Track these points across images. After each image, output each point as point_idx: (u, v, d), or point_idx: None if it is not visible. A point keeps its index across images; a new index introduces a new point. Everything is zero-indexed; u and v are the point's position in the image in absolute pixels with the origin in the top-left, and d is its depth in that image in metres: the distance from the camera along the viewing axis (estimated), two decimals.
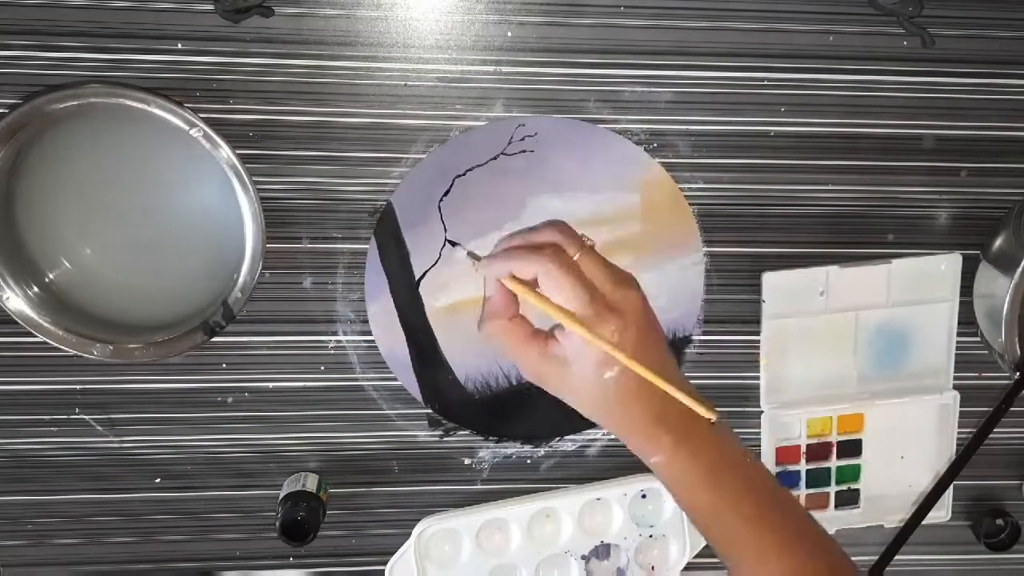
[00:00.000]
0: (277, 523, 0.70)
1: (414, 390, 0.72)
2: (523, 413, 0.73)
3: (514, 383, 0.72)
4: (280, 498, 0.71)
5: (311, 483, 0.72)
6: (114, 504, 0.74)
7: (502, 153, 0.68)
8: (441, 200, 0.68)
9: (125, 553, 0.75)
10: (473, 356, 0.71)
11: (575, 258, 0.55)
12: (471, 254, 0.58)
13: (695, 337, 0.73)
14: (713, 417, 0.54)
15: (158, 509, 0.74)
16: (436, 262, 0.69)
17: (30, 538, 0.74)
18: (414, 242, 0.69)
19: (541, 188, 0.69)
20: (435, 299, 0.70)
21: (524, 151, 0.68)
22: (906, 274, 0.72)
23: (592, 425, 0.74)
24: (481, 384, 0.72)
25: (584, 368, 0.55)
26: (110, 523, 0.74)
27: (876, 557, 0.80)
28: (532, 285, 0.55)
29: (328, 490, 0.73)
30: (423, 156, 0.67)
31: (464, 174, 0.68)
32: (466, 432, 0.74)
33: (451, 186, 0.68)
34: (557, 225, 0.57)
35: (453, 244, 0.60)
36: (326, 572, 0.77)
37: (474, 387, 0.72)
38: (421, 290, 0.70)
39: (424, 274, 0.69)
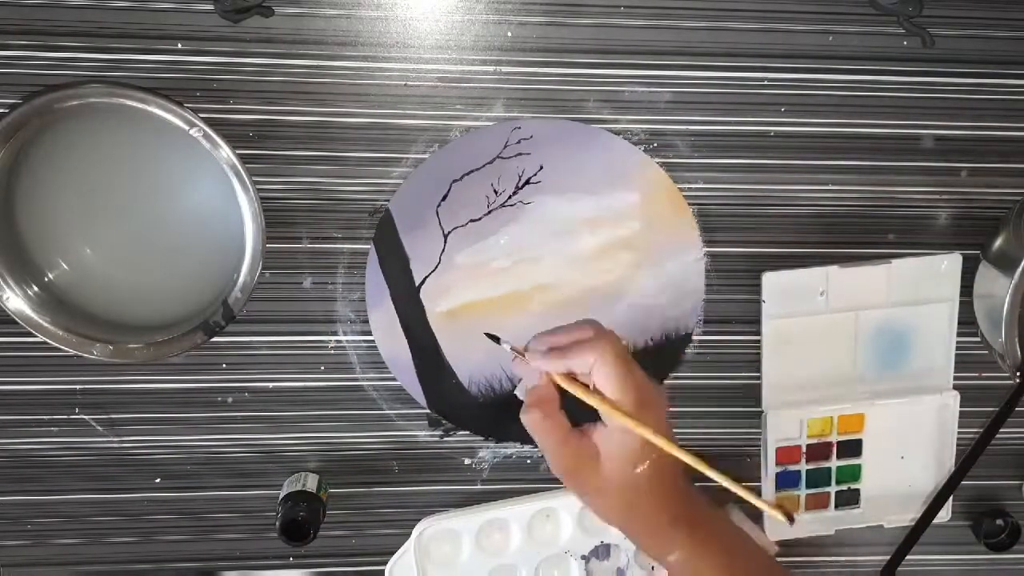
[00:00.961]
0: (277, 523, 0.70)
1: (418, 395, 0.72)
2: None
3: (516, 385, 0.72)
4: (280, 498, 0.71)
5: (311, 483, 0.72)
6: (114, 504, 0.74)
7: (498, 156, 0.68)
8: (439, 205, 0.68)
9: (126, 553, 0.75)
10: (476, 359, 0.71)
11: None
12: (514, 349, 0.59)
13: (695, 337, 0.73)
14: (789, 522, 0.55)
15: (158, 509, 0.74)
16: (436, 267, 0.69)
17: (30, 538, 0.74)
18: (413, 248, 0.69)
19: (539, 190, 0.69)
20: (436, 304, 0.70)
21: (520, 154, 0.68)
22: (906, 274, 0.72)
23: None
24: (485, 387, 0.72)
25: (616, 464, 0.56)
26: (110, 523, 0.75)
27: (877, 557, 0.80)
28: (573, 378, 0.57)
29: (328, 490, 0.73)
30: (423, 156, 0.67)
31: (461, 179, 0.68)
32: (466, 432, 0.74)
33: (448, 191, 0.68)
34: (594, 324, 0.59)
35: (495, 340, 0.60)
36: (326, 572, 0.77)
37: (478, 390, 0.72)
38: (422, 295, 0.70)
39: (424, 279, 0.70)
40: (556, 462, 0.58)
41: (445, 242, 0.69)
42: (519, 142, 0.68)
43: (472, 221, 0.69)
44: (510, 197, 0.69)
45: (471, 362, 0.72)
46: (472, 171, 0.68)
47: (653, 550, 0.59)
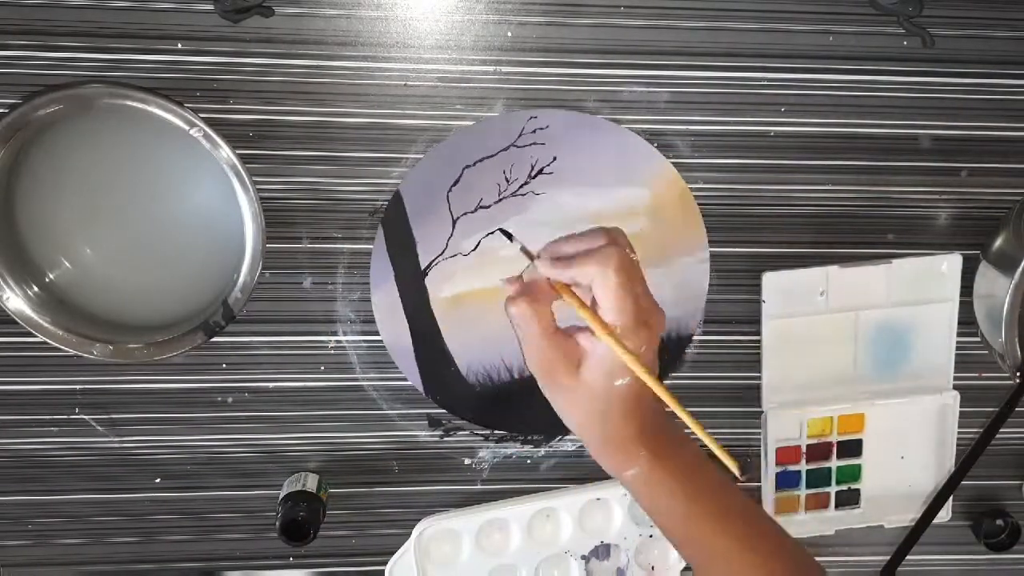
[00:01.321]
0: (277, 523, 0.70)
1: (416, 380, 0.72)
2: (523, 406, 0.73)
3: (515, 376, 0.72)
4: (280, 498, 0.71)
5: (311, 483, 0.72)
6: (115, 504, 0.74)
7: (513, 145, 0.67)
8: (450, 190, 0.68)
9: (127, 553, 0.75)
10: (475, 348, 0.71)
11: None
12: (524, 250, 0.57)
13: (695, 337, 0.73)
14: (737, 472, 0.55)
15: (158, 509, 0.74)
16: (443, 252, 0.69)
17: (31, 538, 0.74)
18: (422, 231, 0.69)
19: (551, 181, 0.69)
20: (440, 289, 0.70)
21: (535, 143, 0.68)
22: (906, 274, 0.72)
23: None
24: (483, 376, 0.72)
25: (596, 372, 0.55)
26: (111, 523, 0.75)
27: (877, 557, 0.80)
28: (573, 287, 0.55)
29: (328, 490, 0.73)
30: (422, 156, 0.67)
31: (474, 165, 0.68)
32: (466, 432, 0.74)
33: (460, 176, 0.68)
34: (611, 232, 0.56)
35: (507, 235, 0.58)
36: (326, 572, 0.77)
37: (476, 379, 0.72)
38: (427, 280, 0.70)
39: (431, 264, 0.69)
40: (534, 355, 0.56)
41: (453, 227, 0.69)
42: (535, 132, 0.67)
43: (482, 208, 0.69)
44: (522, 186, 0.69)
45: (471, 351, 0.71)
46: (485, 158, 0.68)
47: (612, 462, 0.58)
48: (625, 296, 0.54)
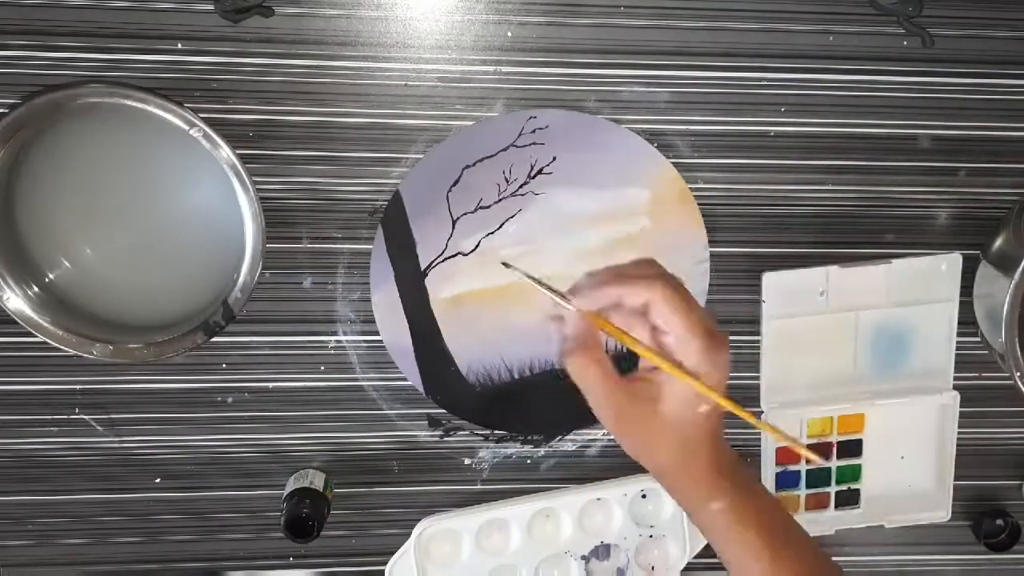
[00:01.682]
0: (281, 520, 0.70)
1: (416, 380, 0.72)
2: (523, 407, 0.73)
3: (515, 376, 0.72)
4: (285, 495, 0.71)
5: (318, 481, 0.72)
6: (116, 504, 0.74)
7: (512, 145, 0.67)
8: (450, 190, 0.68)
9: (128, 553, 0.76)
10: (475, 348, 0.71)
11: None
12: (556, 293, 0.52)
13: None
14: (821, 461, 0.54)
15: (158, 509, 0.74)
16: (442, 252, 0.69)
17: (31, 538, 0.74)
18: (421, 232, 0.69)
19: (551, 181, 0.69)
20: (440, 290, 0.70)
21: (535, 143, 0.68)
22: (906, 274, 0.72)
23: (587, 424, 0.74)
24: (483, 376, 0.72)
25: (676, 405, 0.52)
26: (111, 523, 0.75)
27: (877, 557, 0.80)
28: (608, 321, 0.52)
29: (333, 488, 0.73)
30: (422, 156, 0.67)
31: (474, 165, 0.68)
32: (466, 432, 0.74)
33: (460, 176, 0.68)
34: (652, 262, 0.53)
35: (506, 266, 0.58)
36: (326, 572, 0.77)
37: (476, 379, 0.72)
38: (427, 280, 0.70)
39: (431, 264, 0.69)
40: (607, 410, 0.52)
41: (453, 228, 0.69)
42: (534, 131, 0.67)
43: (482, 208, 0.69)
44: (521, 186, 0.69)
45: (471, 351, 0.71)
46: (485, 158, 0.68)
47: (696, 498, 0.55)
48: (690, 315, 0.50)
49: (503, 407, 0.73)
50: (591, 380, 0.52)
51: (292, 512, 0.70)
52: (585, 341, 0.52)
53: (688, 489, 0.55)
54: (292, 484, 0.72)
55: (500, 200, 0.69)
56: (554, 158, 0.68)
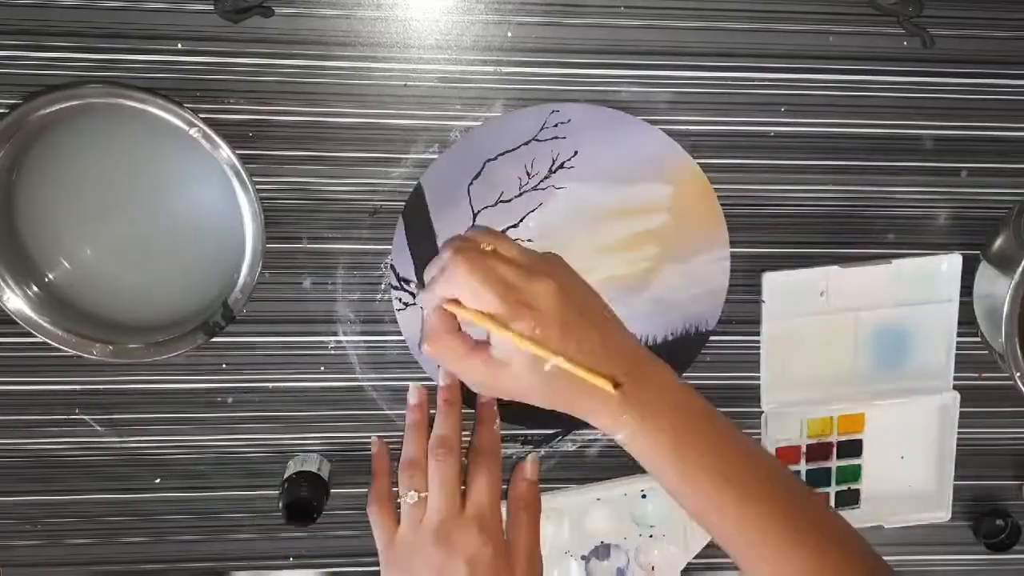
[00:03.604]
0: (280, 503, 0.70)
1: (433, 373, 0.71)
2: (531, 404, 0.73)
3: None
4: (283, 479, 0.71)
5: (313, 464, 0.72)
6: (115, 504, 0.74)
7: (534, 139, 0.67)
8: (471, 184, 0.68)
9: (127, 553, 0.75)
10: None
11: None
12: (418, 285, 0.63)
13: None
14: (611, 390, 0.57)
15: (160, 509, 0.74)
16: None
17: (31, 538, 0.74)
18: (442, 224, 0.68)
19: (572, 175, 0.68)
20: None
21: (556, 138, 0.68)
22: (906, 274, 0.72)
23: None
24: None
25: (523, 366, 0.58)
26: (113, 523, 0.74)
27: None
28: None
29: (330, 465, 0.73)
30: (423, 156, 0.67)
31: (495, 159, 0.67)
32: (466, 432, 0.74)
33: (481, 169, 0.68)
34: (452, 242, 0.61)
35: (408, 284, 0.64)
36: (327, 572, 0.77)
37: None
38: None
39: None
40: (472, 377, 0.60)
41: (474, 221, 0.69)
42: (556, 125, 0.67)
43: (502, 202, 0.69)
44: (542, 180, 0.68)
45: None
46: (507, 151, 0.68)
47: (604, 427, 0.60)
48: (481, 286, 0.57)
49: (510, 403, 0.72)
50: (448, 359, 0.61)
51: (291, 495, 0.70)
52: (433, 325, 0.60)
53: (597, 421, 0.60)
54: (290, 469, 0.72)
55: (521, 194, 0.69)
56: (576, 152, 0.68)
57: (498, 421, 0.71)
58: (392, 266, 0.69)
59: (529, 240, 0.69)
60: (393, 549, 0.67)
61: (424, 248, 0.69)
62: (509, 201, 0.69)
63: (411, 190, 0.68)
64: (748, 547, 0.58)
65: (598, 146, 0.68)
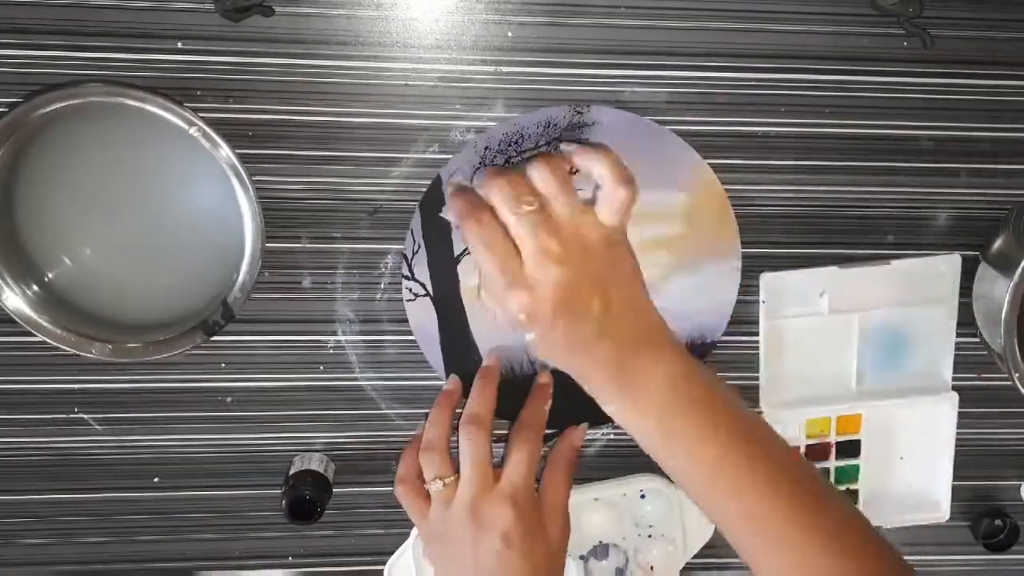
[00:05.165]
0: (283, 502, 0.70)
1: (439, 367, 0.72)
2: None
3: (536, 371, 0.72)
4: (285, 477, 0.71)
5: (316, 463, 0.72)
6: (115, 504, 0.74)
7: (556, 140, 0.67)
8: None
9: (129, 552, 0.76)
10: (500, 340, 0.71)
11: (512, 220, 0.58)
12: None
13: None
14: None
15: (159, 508, 0.74)
16: None
17: (30, 538, 0.74)
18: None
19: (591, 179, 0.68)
20: (471, 276, 0.70)
21: (578, 140, 0.67)
22: (906, 275, 0.72)
23: (599, 423, 0.74)
24: (505, 368, 0.72)
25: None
26: (112, 522, 0.75)
27: None
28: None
29: (334, 466, 0.73)
30: (423, 156, 0.67)
31: (517, 156, 0.67)
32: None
33: (502, 166, 0.67)
34: (499, 179, 0.59)
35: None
36: (326, 572, 0.77)
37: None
38: (459, 267, 0.69)
39: (464, 251, 0.69)
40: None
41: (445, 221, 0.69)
42: (581, 128, 0.67)
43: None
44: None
45: (496, 342, 0.71)
46: (528, 150, 0.67)
47: (596, 397, 0.61)
48: (483, 254, 0.59)
49: (521, 401, 0.72)
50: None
51: (294, 493, 0.70)
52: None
53: (590, 388, 0.61)
54: (293, 467, 0.72)
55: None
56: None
57: (549, 402, 0.71)
58: (405, 256, 0.69)
59: None
60: (427, 524, 0.68)
61: (438, 240, 0.69)
62: None
63: (411, 190, 0.68)
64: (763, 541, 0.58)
65: (620, 151, 0.67)
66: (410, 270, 0.69)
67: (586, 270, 0.58)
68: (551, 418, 0.71)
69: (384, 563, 0.75)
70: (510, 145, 0.67)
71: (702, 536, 0.77)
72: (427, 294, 0.70)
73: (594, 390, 0.61)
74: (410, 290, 0.70)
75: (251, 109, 0.65)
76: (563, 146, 0.62)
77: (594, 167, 0.60)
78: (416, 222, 0.68)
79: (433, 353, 0.71)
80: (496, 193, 0.59)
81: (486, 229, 0.59)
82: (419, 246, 0.69)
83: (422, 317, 0.70)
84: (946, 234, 0.73)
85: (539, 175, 0.59)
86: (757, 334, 0.73)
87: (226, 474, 0.74)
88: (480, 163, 0.67)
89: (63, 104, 0.61)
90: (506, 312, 0.59)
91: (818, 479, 0.61)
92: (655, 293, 0.70)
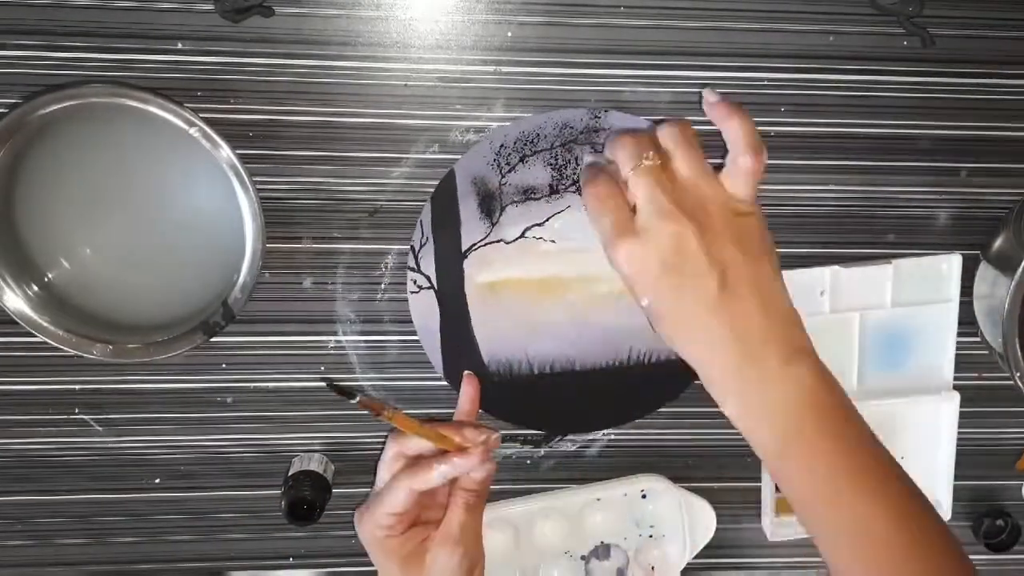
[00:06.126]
0: (282, 503, 0.70)
1: (436, 362, 0.72)
2: (537, 403, 0.73)
3: (535, 372, 0.72)
4: (285, 477, 0.71)
5: (315, 463, 0.72)
6: (115, 504, 0.74)
7: (572, 141, 0.67)
8: (503, 177, 0.68)
9: (127, 553, 0.76)
10: (500, 338, 0.71)
11: (630, 173, 0.56)
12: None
13: None
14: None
15: (159, 509, 0.74)
16: (485, 237, 0.69)
17: (31, 538, 0.75)
18: (468, 213, 0.68)
19: None
20: (477, 273, 0.70)
21: (593, 143, 0.67)
22: (906, 274, 0.72)
23: (594, 425, 0.74)
24: (503, 367, 0.72)
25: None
26: (112, 523, 0.75)
27: None
28: None
29: (334, 467, 0.73)
30: (423, 156, 0.67)
31: (532, 155, 0.67)
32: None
33: (515, 165, 0.67)
34: (624, 137, 0.58)
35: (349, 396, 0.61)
36: (327, 572, 0.77)
37: (496, 369, 0.72)
38: (465, 263, 0.70)
39: (472, 247, 0.69)
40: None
41: (501, 213, 0.69)
42: (597, 132, 0.67)
43: (531, 199, 0.69)
44: (573, 183, 0.68)
45: (496, 340, 0.71)
46: (543, 150, 0.68)
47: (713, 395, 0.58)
48: (596, 214, 0.58)
49: (518, 401, 0.72)
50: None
51: (294, 494, 0.70)
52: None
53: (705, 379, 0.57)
54: (293, 468, 0.72)
55: (550, 194, 0.68)
56: (610, 161, 0.68)
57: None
58: (412, 247, 0.69)
59: (552, 241, 0.69)
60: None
61: (446, 234, 0.69)
62: (538, 199, 0.69)
63: (411, 190, 0.68)
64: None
65: None
66: (416, 262, 0.69)
67: (702, 234, 0.53)
68: (557, 423, 0.71)
69: None
70: (526, 144, 0.67)
71: (703, 536, 0.77)
72: (431, 287, 0.70)
73: (711, 383, 0.55)
74: (415, 282, 0.70)
75: (251, 109, 0.65)
76: (706, 93, 0.60)
77: (728, 127, 0.57)
78: (426, 213, 0.68)
79: (432, 348, 0.71)
80: (619, 149, 0.57)
81: (601, 184, 0.57)
82: (427, 238, 0.69)
83: (424, 311, 0.70)
84: (947, 233, 0.73)
85: (666, 131, 0.57)
86: None
87: (226, 474, 0.74)
88: (495, 160, 0.67)
89: (64, 105, 0.61)
90: (617, 269, 0.55)
91: (923, 495, 0.56)
92: None
